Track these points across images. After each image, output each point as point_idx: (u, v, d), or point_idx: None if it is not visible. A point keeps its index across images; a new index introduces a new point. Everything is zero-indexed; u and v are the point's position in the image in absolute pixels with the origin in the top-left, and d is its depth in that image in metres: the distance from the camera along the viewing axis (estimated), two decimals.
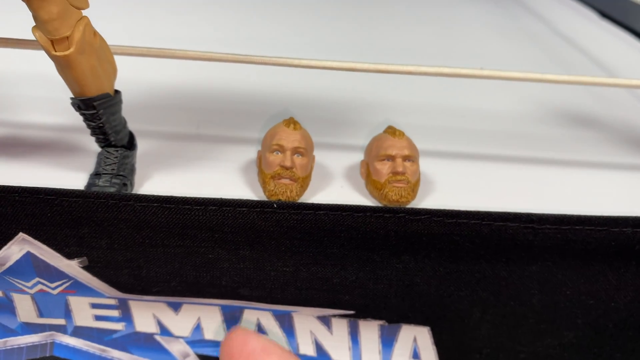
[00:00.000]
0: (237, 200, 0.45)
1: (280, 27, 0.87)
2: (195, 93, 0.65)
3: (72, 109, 0.45)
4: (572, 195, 0.55)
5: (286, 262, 0.47)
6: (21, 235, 0.45)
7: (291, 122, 0.49)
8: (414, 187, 0.51)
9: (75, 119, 0.46)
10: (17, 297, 0.50)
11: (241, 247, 0.46)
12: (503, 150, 0.61)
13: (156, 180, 0.50)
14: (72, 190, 0.44)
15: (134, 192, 0.48)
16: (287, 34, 0.84)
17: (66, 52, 0.41)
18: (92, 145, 0.49)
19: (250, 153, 0.55)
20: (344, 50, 0.82)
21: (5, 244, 0.45)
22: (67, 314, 0.51)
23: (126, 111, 0.49)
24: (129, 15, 0.79)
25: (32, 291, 0.49)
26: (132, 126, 0.50)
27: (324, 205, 0.45)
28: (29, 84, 0.62)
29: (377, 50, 0.86)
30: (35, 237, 0.45)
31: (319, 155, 0.54)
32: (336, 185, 0.52)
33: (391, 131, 0.51)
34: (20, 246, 0.46)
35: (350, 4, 1.05)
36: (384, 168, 0.50)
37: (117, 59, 0.47)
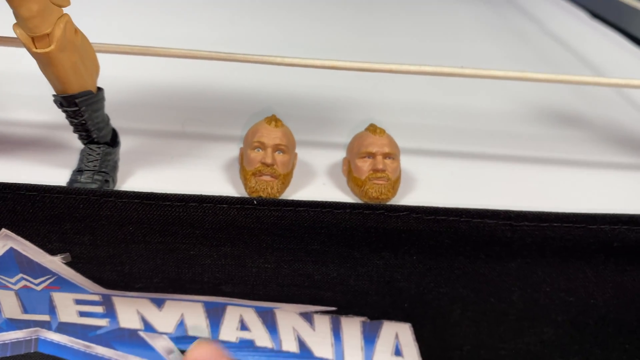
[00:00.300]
0: (217, 196, 0.45)
1: (265, 25, 0.87)
2: (180, 91, 0.65)
3: (55, 106, 0.46)
4: (555, 194, 0.56)
5: (267, 258, 0.48)
6: (4, 231, 0.45)
7: (273, 120, 0.50)
8: (394, 184, 0.51)
9: (59, 116, 0.46)
10: (1, 293, 0.51)
11: (222, 244, 0.47)
12: (486, 148, 0.62)
13: (139, 177, 0.51)
14: (54, 186, 0.45)
15: (116, 188, 0.49)
16: (272, 32, 0.84)
17: (47, 49, 0.41)
18: (76, 143, 0.49)
19: (233, 150, 0.55)
20: (329, 48, 0.83)
21: None
22: (52, 310, 0.52)
23: (110, 108, 0.49)
24: (113, 13, 0.79)
25: (16, 287, 0.50)
26: (116, 123, 0.51)
27: (304, 201, 0.46)
28: (13, 81, 0.63)
29: (363, 49, 0.86)
30: (18, 233, 0.45)
31: (302, 153, 0.54)
32: (318, 183, 0.53)
33: (372, 129, 0.52)
34: (3, 242, 0.46)
35: (336, 2, 1.05)
36: (365, 165, 0.51)
37: (101, 56, 0.47)
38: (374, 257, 0.48)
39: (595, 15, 1.15)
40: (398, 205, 0.46)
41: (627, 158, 0.62)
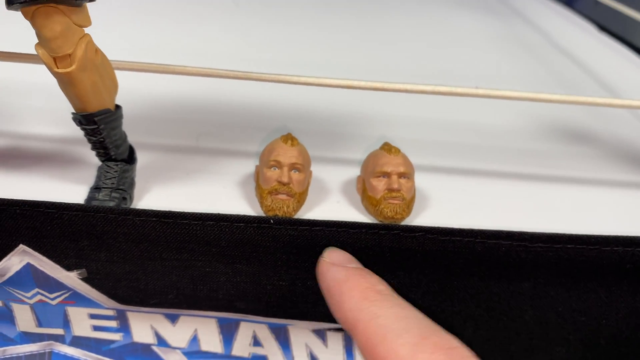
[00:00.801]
0: (234, 215, 0.46)
1: (280, 43, 0.88)
2: (195, 106, 0.65)
3: (71, 119, 0.46)
4: (568, 212, 0.56)
5: (282, 276, 0.48)
6: (21, 247, 0.46)
7: (289, 138, 0.50)
8: (409, 204, 0.51)
9: (76, 130, 0.47)
10: (16, 307, 0.51)
11: (238, 261, 0.47)
12: (499, 166, 0.62)
13: (155, 193, 0.51)
14: (72, 204, 0.45)
15: (133, 205, 0.49)
16: (287, 50, 0.85)
17: (68, 69, 0.42)
18: (93, 158, 0.50)
19: (248, 166, 0.56)
20: (341, 63, 0.83)
21: (5, 255, 0.46)
22: (66, 324, 0.52)
23: (125, 123, 0.50)
24: (129, 29, 0.80)
25: (32, 301, 0.50)
26: (131, 138, 0.51)
27: (320, 221, 0.46)
28: (31, 94, 0.63)
29: (373, 61, 0.87)
30: (35, 249, 0.46)
31: (316, 169, 0.55)
32: (332, 200, 0.53)
33: (387, 148, 0.52)
34: (21, 257, 0.46)
35: (345, 17, 1.06)
36: (380, 184, 0.51)
37: (118, 72, 0.48)
38: (388, 276, 0.48)
39: (603, 28, 1.15)
40: (413, 226, 0.47)
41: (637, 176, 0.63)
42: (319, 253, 0.47)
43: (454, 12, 1.19)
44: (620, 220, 0.56)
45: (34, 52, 0.43)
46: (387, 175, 0.51)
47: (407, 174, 0.51)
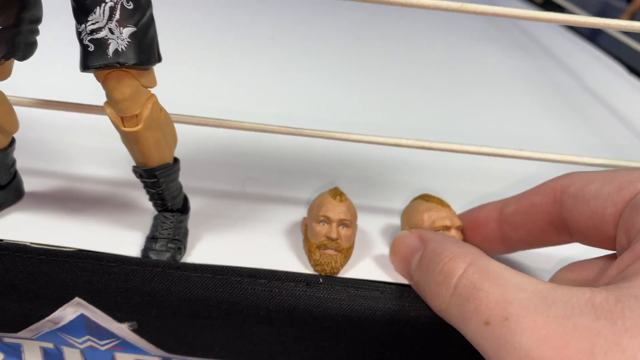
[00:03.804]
0: (285, 274, 0.47)
1: (324, 96, 0.90)
2: (242, 152, 0.67)
3: (128, 162, 0.48)
4: None
5: (326, 336, 0.49)
6: (77, 299, 0.47)
7: (337, 194, 0.51)
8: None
9: (130, 172, 0.48)
10: (67, 350, 0.52)
11: (285, 325, 0.48)
12: None
13: (205, 242, 0.52)
14: (131, 258, 0.46)
15: (186, 254, 0.50)
16: (320, 99, 0.87)
17: (135, 129, 0.43)
18: (146, 202, 0.51)
19: (294, 215, 0.57)
20: (380, 112, 0.85)
21: (60, 305, 0.47)
22: None
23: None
24: (187, 84, 0.82)
25: (82, 347, 0.51)
26: (182, 182, 0.53)
27: (368, 281, 0.47)
28: (87, 133, 0.65)
29: (407, 108, 0.89)
30: (90, 302, 0.47)
31: (360, 220, 0.56)
32: (376, 254, 0.54)
33: (437, 201, 0.53)
34: (75, 309, 0.48)
35: (384, 62, 1.08)
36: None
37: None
38: (439, 342, 0.49)
39: (633, 70, 1.16)
40: None
41: None
42: (372, 324, 0.47)
43: (486, 51, 1.21)
44: None
45: (92, 102, 0.45)
46: (447, 229, 0.51)
47: (461, 227, 0.52)
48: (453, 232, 0.51)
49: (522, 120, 0.89)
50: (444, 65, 1.09)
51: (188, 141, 0.56)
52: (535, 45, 1.29)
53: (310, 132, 0.51)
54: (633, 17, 1.83)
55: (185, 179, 0.52)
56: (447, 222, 0.51)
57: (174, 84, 0.66)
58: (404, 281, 0.49)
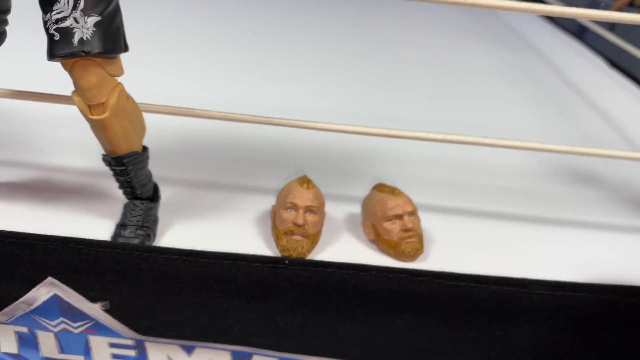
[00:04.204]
0: (251, 255, 0.48)
1: (296, 81, 0.91)
2: (216, 143, 0.68)
3: (99, 152, 0.49)
4: (570, 256, 0.58)
5: (295, 314, 0.50)
6: (50, 279, 0.48)
7: (305, 181, 0.52)
8: (421, 239, 0.54)
9: (102, 163, 0.50)
10: (40, 334, 0.53)
11: (253, 299, 0.49)
12: (505, 207, 0.64)
13: (177, 229, 0.54)
14: (100, 241, 0.48)
15: (156, 241, 0.52)
16: (300, 90, 0.89)
17: (101, 116, 0.45)
18: (118, 191, 0.53)
19: (264, 204, 0.58)
20: (353, 102, 0.87)
21: (34, 286, 0.49)
22: (87, 351, 0.54)
23: (151, 158, 0.52)
24: (154, 70, 0.83)
25: (56, 329, 0.53)
26: (156, 173, 0.54)
27: (332, 263, 0.48)
28: (60, 125, 0.66)
29: (386, 97, 0.90)
30: (63, 282, 0.48)
31: (328, 207, 0.57)
32: (344, 240, 0.55)
33: (389, 190, 0.55)
34: (49, 289, 0.49)
35: (362, 57, 1.09)
36: (395, 227, 0.54)
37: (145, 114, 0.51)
38: (396, 317, 0.50)
39: (614, 64, 1.17)
40: (421, 270, 0.49)
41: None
42: (331, 294, 0.49)
43: (469, 45, 1.22)
44: (621, 264, 0.57)
45: (65, 93, 0.46)
46: (399, 217, 0.54)
47: (414, 211, 0.54)
48: (406, 219, 0.53)
49: (501, 112, 0.90)
50: (427, 60, 1.10)
51: (162, 131, 0.57)
52: (520, 42, 1.30)
53: (280, 121, 0.53)
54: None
55: (158, 169, 0.54)
56: (399, 211, 0.53)
57: (154, 74, 0.67)
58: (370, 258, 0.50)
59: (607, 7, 1.84)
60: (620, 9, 1.79)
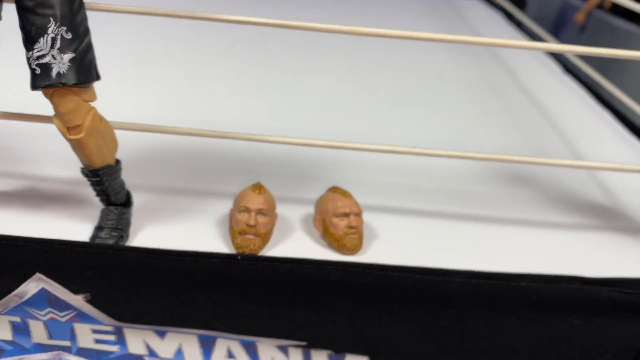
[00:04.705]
0: (208, 253, 0.56)
1: (266, 94, 1.00)
2: (185, 154, 0.77)
3: (78, 165, 0.58)
4: (498, 250, 0.66)
5: (250, 301, 0.59)
6: (37, 275, 0.57)
7: (257, 187, 0.61)
8: (362, 237, 0.63)
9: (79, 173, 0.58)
10: (32, 323, 0.62)
11: (213, 290, 0.58)
12: (443, 207, 0.72)
13: (147, 231, 0.62)
14: (79, 242, 0.56)
15: (129, 241, 0.60)
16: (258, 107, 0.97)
17: (78, 136, 0.53)
18: (95, 199, 0.61)
19: (225, 208, 0.66)
20: (316, 109, 0.95)
21: (24, 281, 0.57)
22: (72, 337, 0.63)
23: (125, 167, 0.60)
24: (125, 89, 0.92)
25: (45, 318, 0.61)
26: (129, 180, 0.62)
27: (279, 258, 0.57)
28: (45, 138, 0.74)
29: (348, 98, 0.98)
30: (49, 277, 0.57)
31: (282, 209, 0.65)
32: (295, 238, 0.63)
33: (341, 192, 0.63)
34: (37, 283, 0.57)
35: (325, 68, 1.17)
36: (342, 223, 0.62)
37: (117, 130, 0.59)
38: (337, 303, 0.59)
39: (568, 70, 1.25)
40: (355, 262, 0.57)
41: (567, 218, 0.73)
42: (279, 284, 0.57)
43: (432, 50, 1.29)
44: (548, 259, 0.65)
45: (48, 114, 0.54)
46: (347, 215, 0.62)
47: (360, 213, 0.63)
48: (352, 218, 0.61)
49: (452, 119, 0.98)
50: (383, 67, 1.18)
51: (134, 144, 0.65)
52: (481, 48, 1.37)
53: (239, 135, 0.61)
54: (589, 15, 1.93)
55: (131, 177, 0.62)
56: (347, 210, 0.62)
57: (127, 93, 0.75)
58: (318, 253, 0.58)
59: (577, 9, 1.92)
60: (589, 12, 1.87)
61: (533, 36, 1.52)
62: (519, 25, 1.59)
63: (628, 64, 1.22)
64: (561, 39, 1.84)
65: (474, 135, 0.92)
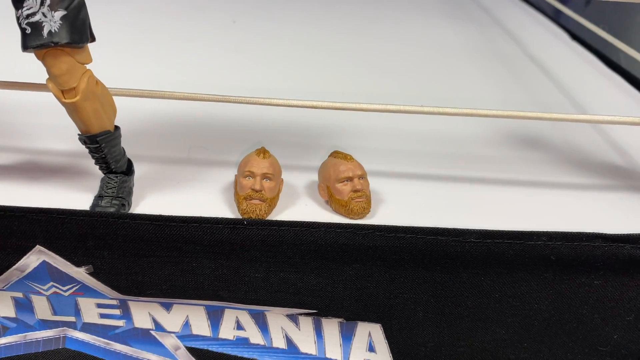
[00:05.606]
0: (213, 218, 0.54)
1: (267, 62, 0.97)
2: (186, 123, 0.75)
3: (75, 134, 0.56)
4: (511, 211, 0.64)
5: (257, 269, 0.57)
6: (38, 247, 0.55)
7: (261, 152, 0.59)
8: (369, 200, 0.61)
9: (82, 145, 0.56)
10: (35, 298, 0.60)
11: (219, 257, 0.56)
12: (451, 171, 0.70)
13: (150, 200, 0.60)
14: (79, 210, 0.54)
15: (131, 210, 0.58)
16: (261, 74, 0.95)
17: (73, 100, 0.51)
18: (96, 169, 0.59)
19: (230, 176, 0.64)
20: (320, 78, 0.93)
21: (25, 254, 0.55)
22: (77, 312, 0.61)
23: (127, 139, 0.58)
24: (127, 56, 0.90)
25: (48, 293, 0.59)
26: (131, 151, 0.60)
27: (286, 222, 0.55)
28: (43, 113, 0.72)
29: (352, 74, 0.96)
30: (50, 249, 0.55)
31: (287, 176, 0.63)
32: (301, 203, 0.61)
33: (342, 156, 0.61)
34: (37, 256, 0.55)
35: (326, 34, 1.15)
36: (346, 188, 0.60)
37: (118, 98, 0.57)
38: (346, 268, 0.57)
39: (575, 37, 1.22)
40: (364, 225, 0.55)
41: (580, 179, 0.70)
42: (287, 249, 0.56)
43: (437, 22, 1.27)
44: (560, 218, 0.63)
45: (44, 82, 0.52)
46: (350, 179, 0.60)
47: (364, 175, 0.61)
48: (356, 181, 0.59)
49: (459, 85, 0.96)
50: (394, 37, 1.16)
51: (135, 113, 0.63)
52: (487, 18, 1.35)
53: (241, 99, 0.59)
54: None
55: (133, 148, 0.60)
56: (349, 174, 0.60)
57: (130, 61, 0.73)
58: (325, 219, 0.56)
59: None
60: None
61: (540, 3, 1.49)
62: None
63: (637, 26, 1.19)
64: (562, 20, 1.80)
65: (482, 102, 0.90)
